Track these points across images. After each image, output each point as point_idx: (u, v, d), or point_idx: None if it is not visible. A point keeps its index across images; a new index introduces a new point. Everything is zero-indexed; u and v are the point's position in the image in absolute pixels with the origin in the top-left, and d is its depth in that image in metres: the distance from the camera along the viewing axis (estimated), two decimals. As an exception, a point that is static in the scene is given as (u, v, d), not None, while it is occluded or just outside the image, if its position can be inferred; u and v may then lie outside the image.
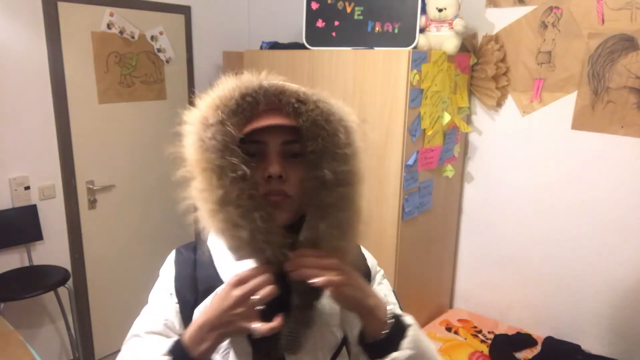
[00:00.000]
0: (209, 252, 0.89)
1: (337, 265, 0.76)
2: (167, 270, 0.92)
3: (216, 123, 0.74)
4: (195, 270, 0.89)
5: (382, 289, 0.96)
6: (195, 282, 0.88)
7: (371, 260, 0.99)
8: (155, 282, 0.93)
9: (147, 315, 0.88)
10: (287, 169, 0.78)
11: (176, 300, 0.87)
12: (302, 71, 2.51)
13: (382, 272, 0.99)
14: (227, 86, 0.78)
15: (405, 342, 0.79)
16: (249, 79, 0.79)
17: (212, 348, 0.76)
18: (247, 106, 0.76)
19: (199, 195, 0.77)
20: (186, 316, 0.85)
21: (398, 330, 0.80)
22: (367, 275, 0.95)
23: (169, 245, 1.02)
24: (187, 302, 0.86)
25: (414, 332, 0.81)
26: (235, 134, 0.75)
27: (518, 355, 2.33)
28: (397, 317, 0.82)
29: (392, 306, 0.85)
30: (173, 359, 0.74)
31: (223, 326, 0.74)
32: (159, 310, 0.87)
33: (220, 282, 0.84)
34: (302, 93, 0.78)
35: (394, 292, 0.98)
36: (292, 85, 0.80)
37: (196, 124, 0.76)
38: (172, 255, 0.95)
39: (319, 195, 0.77)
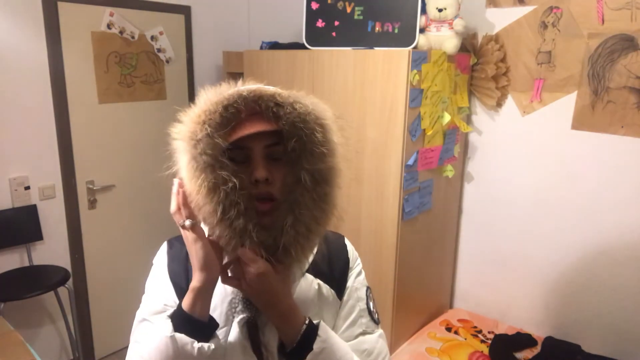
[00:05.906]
0: None
1: (252, 272, 0.80)
2: (160, 260, 0.97)
3: (204, 137, 0.78)
4: (187, 261, 0.91)
5: (357, 282, 0.98)
6: (187, 272, 0.92)
7: (352, 254, 1.02)
8: (150, 271, 0.98)
9: (148, 301, 0.93)
10: (272, 172, 0.81)
11: (172, 285, 0.92)
12: (302, 71, 2.51)
13: (360, 267, 1.02)
14: (210, 100, 0.81)
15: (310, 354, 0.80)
16: (227, 90, 0.82)
17: (207, 303, 0.81)
18: (230, 116, 0.79)
19: (198, 210, 0.81)
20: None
21: (309, 340, 0.82)
22: (345, 266, 0.99)
23: (169, 245, 1.03)
24: (182, 289, 0.89)
25: (319, 345, 0.82)
26: (223, 144, 0.78)
27: (518, 355, 2.33)
28: (311, 327, 0.84)
29: (362, 303, 0.95)
30: (172, 322, 0.78)
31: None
32: (158, 294, 0.92)
33: None
34: (278, 96, 0.81)
35: (368, 288, 1.00)
36: (269, 89, 0.83)
37: (185, 139, 0.80)
38: (164, 246, 0.99)
39: (295, 192, 0.81)
